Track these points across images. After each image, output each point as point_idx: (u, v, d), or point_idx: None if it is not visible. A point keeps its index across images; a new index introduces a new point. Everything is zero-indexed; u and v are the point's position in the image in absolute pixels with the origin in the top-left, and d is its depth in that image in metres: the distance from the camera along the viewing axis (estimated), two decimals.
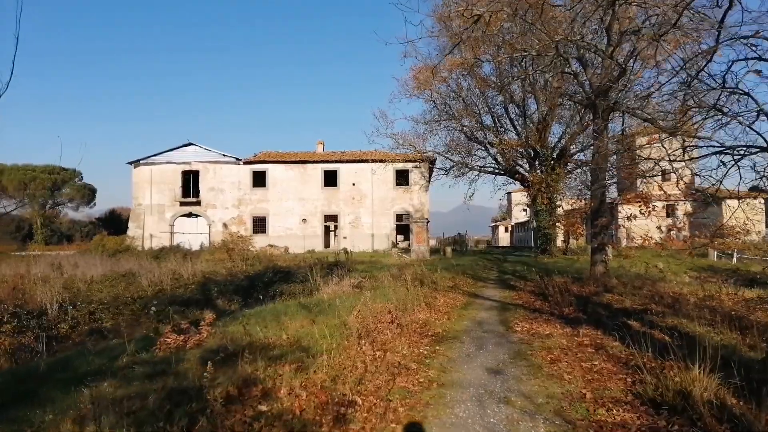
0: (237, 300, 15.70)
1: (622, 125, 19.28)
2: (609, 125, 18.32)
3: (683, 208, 49.89)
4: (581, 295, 13.82)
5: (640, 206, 18.14)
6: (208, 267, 29.31)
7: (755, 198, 40.40)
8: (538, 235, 36.36)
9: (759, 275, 23.21)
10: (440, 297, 14.49)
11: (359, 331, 8.35)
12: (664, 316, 11.10)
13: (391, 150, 35.40)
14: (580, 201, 34.04)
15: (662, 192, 19.08)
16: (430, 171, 43.62)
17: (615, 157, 19.80)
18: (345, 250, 38.39)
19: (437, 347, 8.49)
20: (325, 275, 18.43)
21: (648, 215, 18.69)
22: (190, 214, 48.53)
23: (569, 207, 36.15)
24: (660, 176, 18.28)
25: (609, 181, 17.76)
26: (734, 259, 34.76)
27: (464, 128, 34.93)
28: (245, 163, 48.29)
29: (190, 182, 48.94)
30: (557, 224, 34.66)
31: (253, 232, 47.16)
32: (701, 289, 16.55)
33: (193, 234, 47.88)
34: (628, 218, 18.12)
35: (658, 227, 51.31)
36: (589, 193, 35.51)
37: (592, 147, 34.50)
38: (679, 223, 51.73)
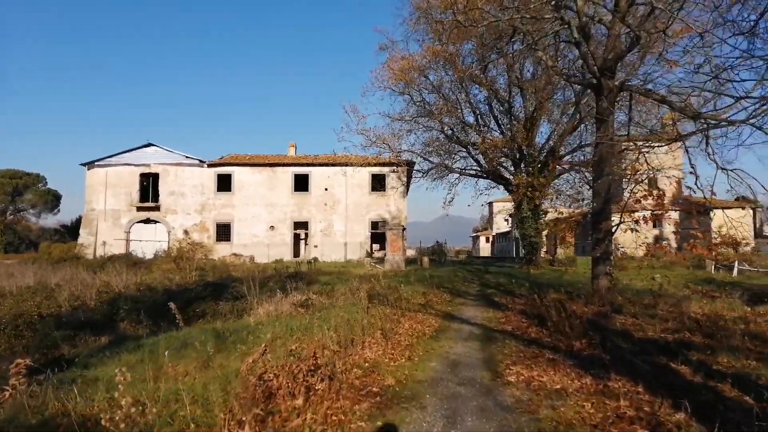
0: (147, 322, 12.17)
1: (629, 112, 16.17)
2: (615, 111, 15.19)
3: (673, 218, 47.55)
4: (586, 317, 10.55)
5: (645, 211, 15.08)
6: (154, 278, 25.71)
7: (743, 208, 37.79)
8: (523, 244, 33.25)
9: None
10: (406, 320, 11.12)
11: (253, 392, 4.96)
12: (713, 352, 7.88)
13: (364, 148, 32.13)
14: (573, 207, 31.32)
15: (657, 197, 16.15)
16: (409, 175, 40.52)
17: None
18: (309, 261, 34.92)
19: (380, 421, 5.10)
20: (276, 289, 15.03)
21: (647, 223, 15.73)
22: (148, 220, 44.59)
23: (556, 215, 33.35)
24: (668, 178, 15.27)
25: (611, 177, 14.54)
26: (735, 272, 32.06)
27: (444, 126, 31.83)
28: (209, 165, 44.60)
29: (149, 186, 45.08)
30: (545, 232, 31.67)
31: (217, 240, 43.51)
32: (724, 308, 13.65)
33: (151, 242, 43.98)
34: (636, 222, 14.96)
35: (652, 238, 48.96)
36: (579, 198, 32.89)
37: (583, 149, 31.89)
38: (667, 233, 49.33)
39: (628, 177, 16.55)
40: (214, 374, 6.28)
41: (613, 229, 14.76)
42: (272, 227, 43.93)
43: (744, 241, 31.44)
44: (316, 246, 43.64)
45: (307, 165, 44.71)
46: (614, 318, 11.32)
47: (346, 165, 40.54)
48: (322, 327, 8.60)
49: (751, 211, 45.41)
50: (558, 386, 6.17)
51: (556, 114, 30.97)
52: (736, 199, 16.82)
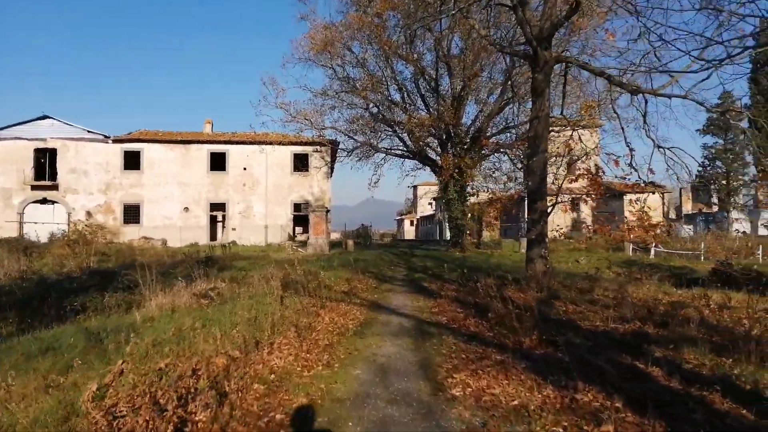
0: (14, 319, 9.98)
1: (563, 86, 15.29)
2: (551, 82, 14.25)
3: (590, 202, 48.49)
4: (525, 305, 9.42)
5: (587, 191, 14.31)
6: (45, 263, 22.77)
7: (653, 193, 38.93)
8: (450, 227, 32.49)
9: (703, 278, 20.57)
10: (326, 313, 9.62)
11: None
12: (676, 346, 6.91)
13: (284, 124, 30.15)
14: (500, 190, 30.76)
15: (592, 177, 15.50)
16: (333, 155, 38.80)
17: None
18: (224, 244, 32.61)
19: None
20: (178, 277, 13.08)
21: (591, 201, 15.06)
22: (44, 200, 40.31)
23: (485, 197, 32.78)
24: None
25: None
26: (652, 253, 32.81)
27: (369, 103, 30.31)
28: (115, 141, 40.76)
29: (46, 162, 40.76)
30: (472, 214, 31.01)
31: (124, 223, 40.02)
32: (659, 292, 13.14)
33: (48, 224, 39.82)
34: (573, 202, 14.18)
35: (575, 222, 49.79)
36: (505, 181, 32.49)
37: (509, 130, 31.39)
38: (584, 216, 50.44)
39: (562, 156, 15.76)
40: (54, 402, 4.52)
41: (549, 209, 13.88)
42: (186, 209, 40.94)
43: (662, 224, 32.11)
44: (234, 229, 41.12)
45: (225, 143, 41.87)
46: (554, 305, 10.34)
47: (267, 143, 38.25)
48: (219, 325, 6.96)
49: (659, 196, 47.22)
50: (515, 401, 4.88)
51: (484, 94, 30.22)
52: (646, 184, 16.49)
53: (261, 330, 7.28)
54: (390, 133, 32.13)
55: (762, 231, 43.70)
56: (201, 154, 41.46)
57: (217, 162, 41.47)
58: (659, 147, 13.20)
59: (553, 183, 14.63)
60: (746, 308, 10.87)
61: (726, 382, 5.29)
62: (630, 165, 13.55)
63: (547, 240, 14.18)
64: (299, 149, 40.14)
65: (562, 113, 15.78)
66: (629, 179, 13.13)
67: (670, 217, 60.82)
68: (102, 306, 10.45)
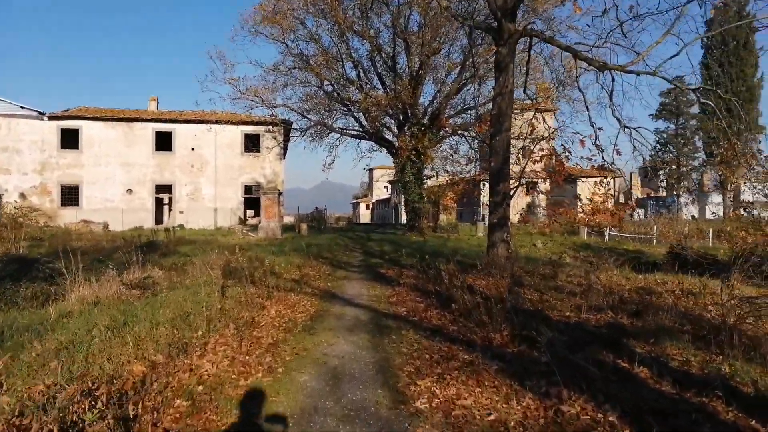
0: None
1: (527, 63, 14.58)
2: (515, 58, 13.50)
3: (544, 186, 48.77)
4: (495, 296, 8.70)
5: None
6: None
7: (605, 177, 39.21)
8: (406, 210, 31.80)
9: (660, 261, 20.52)
10: (273, 304, 8.65)
11: None
12: (656, 339, 6.30)
13: (233, 102, 28.65)
14: (458, 173, 30.17)
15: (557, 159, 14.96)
16: (286, 136, 37.35)
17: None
18: (167, 228, 30.99)
19: None
20: (109, 264, 11.79)
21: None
22: None
23: (443, 180, 32.21)
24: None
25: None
26: (606, 237, 33.02)
27: (323, 81, 29.05)
28: (51, 118, 38.11)
29: None
30: (429, 197, 30.38)
31: (62, 205, 37.56)
32: (621, 278, 12.77)
33: None
34: (530, 185, 13.56)
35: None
36: (462, 163, 31.93)
37: (469, 111, 30.77)
38: (540, 200, 50.74)
39: (525, 136, 15.14)
40: None
41: (512, 192, 13.23)
42: (130, 190, 38.79)
43: (629, 206, 32.26)
44: (181, 212, 39.27)
45: (171, 121, 39.72)
46: (519, 294, 9.68)
47: (216, 122, 36.48)
48: (145, 323, 5.94)
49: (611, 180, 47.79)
50: (491, 416, 4.10)
51: (442, 73, 29.40)
52: (597, 168, 16.13)
53: (194, 327, 6.28)
54: (345, 112, 31.03)
55: (709, 215, 44.85)
56: (145, 132, 39.26)
57: (163, 141, 39.37)
58: (626, 127, 12.71)
59: (515, 163, 13.98)
60: (710, 294, 10.54)
61: (723, 384, 4.65)
62: (595, 144, 13.04)
63: (509, 224, 13.56)
64: (250, 129, 38.53)
65: (525, 91, 15.12)
66: (595, 160, 12.60)
67: (620, 201, 62.08)
68: (15, 298, 9.18)
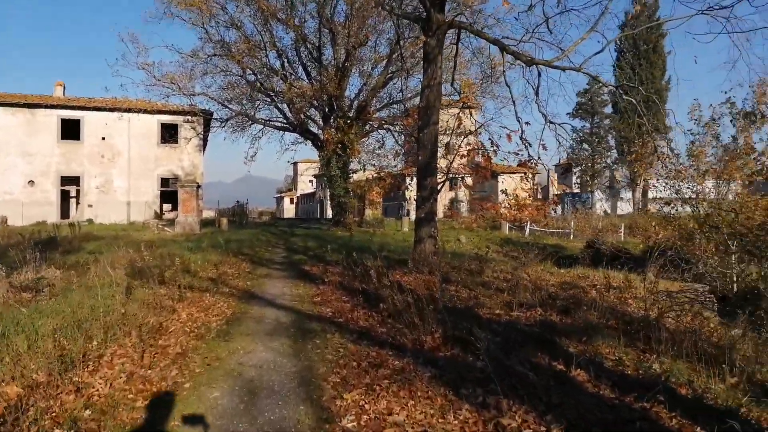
0: None
1: (455, 56, 14.40)
2: (443, 50, 13.27)
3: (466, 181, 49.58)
4: (426, 295, 8.34)
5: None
6: None
7: (526, 173, 40.50)
8: (332, 205, 31.22)
9: (579, 254, 21.09)
10: (185, 306, 7.89)
11: None
12: (588, 338, 6.16)
13: (147, 88, 26.93)
14: (383, 168, 29.94)
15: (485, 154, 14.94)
16: (206, 127, 35.69)
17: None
18: (72, 223, 28.76)
19: None
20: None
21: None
22: None
23: (370, 175, 31.92)
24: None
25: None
26: (527, 232, 33.87)
27: (245, 70, 27.89)
28: None
29: None
30: (355, 192, 29.95)
31: None
32: (545, 272, 12.88)
33: None
34: (454, 180, 13.40)
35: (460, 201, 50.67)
36: (388, 157, 31.75)
37: (394, 106, 30.55)
38: (463, 195, 51.59)
39: (453, 129, 14.97)
40: None
41: (439, 186, 13.00)
42: (31, 182, 35.77)
43: (553, 202, 33.25)
44: (90, 205, 36.66)
45: (79, 108, 36.90)
46: (448, 290, 9.41)
47: (130, 110, 34.32)
48: (30, 333, 5.11)
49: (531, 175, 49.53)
50: None
51: (368, 66, 28.98)
52: (519, 165, 16.31)
53: (89, 336, 5.49)
54: (268, 102, 29.97)
55: (620, 210, 47.17)
56: (50, 120, 36.30)
57: (70, 130, 36.54)
58: (550, 122, 12.76)
59: (443, 157, 13.78)
60: (630, 288, 10.73)
61: (661, 385, 4.49)
62: (521, 139, 13.03)
63: (436, 219, 13.34)
64: (168, 118, 36.49)
65: (452, 85, 14.95)
66: (522, 155, 12.57)
67: (538, 197, 64.34)
68: None
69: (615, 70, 40.96)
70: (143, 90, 26.91)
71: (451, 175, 13.09)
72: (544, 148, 12.40)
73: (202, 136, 36.20)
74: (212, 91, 28.74)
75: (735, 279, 14.41)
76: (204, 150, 38.96)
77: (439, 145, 13.66)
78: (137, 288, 8.34)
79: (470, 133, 13.69)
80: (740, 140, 18.00)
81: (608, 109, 47.56)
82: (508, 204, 18.83)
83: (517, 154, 12.74)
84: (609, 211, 46.19)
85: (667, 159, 17.68)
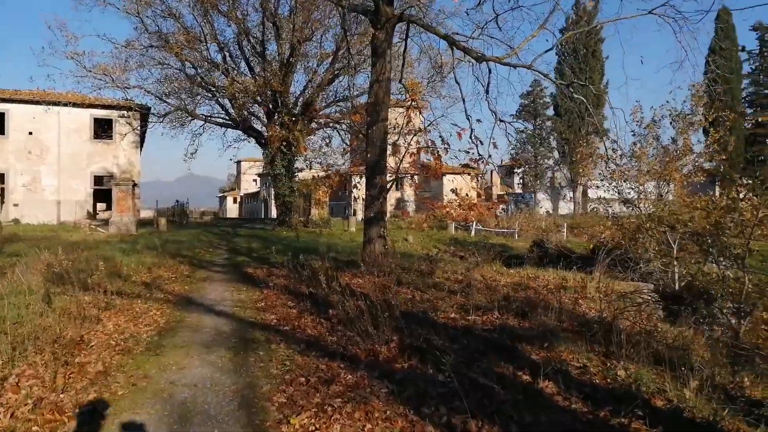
0: None
1: (403, 51, 14.03)
2: (392, 44, 12.86)
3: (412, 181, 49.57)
4: (382, 301, 7.85)
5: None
6: None
7: (467, 174, 40.93)
8: (277, 204, 30.37)
9: (526, 254, 21.18)
10: (111, 315, 7.13)
11: None
12: (549, 344, 5.86)
13: (77, 80, 25.30)
14: (328, 167, 29.27)
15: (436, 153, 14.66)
16: (144, 122, 33.98)
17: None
18: None
19: None
20: None
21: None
22: None
23: (317, 173, 31.25)
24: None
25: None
26: (472, 232, 34.03)
27: (185, 63, 26.67)
28: None
29: None
30: (300, 191, 29.20)
31: None
32: (496, 272, 12.69)
33: None
34: (400, 180, 13.04)
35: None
36: (336, 156, 31.12)
37: (342, 102, 29.94)
38: (409, 195, 51.56)
39: (401, 127, 14.60)
40: None
41: (388, 185, 12.59)
42: None
43: (504, 201, 33.49)
44: (16, 204, 34.29)
45: (3, 101, 34.49)
46: (401, 292, 9.00)
47: (58, 104, 32.26)
48: None
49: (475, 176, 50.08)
50: None
51: (314, 63, 28.29)
52: (463, 165, 16.15)
53: None
54: (209, 98, 28.79)
55: (561, 210, 48.27)
56: None
57: None
58: (501, 120, 12.58)
59: (391, 155, 13.39)
60: (581, 288, 10.63)
61: (632, 396, 4.19)
62: (471, 138, 12.80)
63: (386, 218, 12.92)
64: (101, 113, 34.55)
65: (401, 81, 14.58)
66: (473, 153, 12.30)
67: (483, 198, 65.20)
68: None
69: (555, 74, 41.80)
70: (73, 81, 25.25)
71: (402, 174, 12.67)
72: (495, 146, 12.18)
73: (138, 132, 34.46)
74: (149, 84, 27.37)
75: (677, 278, 14.76)
76: (141, 147, 37.23)
77: (388, 143, 13.24)
78: (58, 295, 7.50)
79: (420, 131, 13.33)
80: (679, 142, 18.51)
81: (550, 112, 48.57)
82: (460, 202, 18.68)
83: (468, 152, 12.48)
84: (551, 211, 47.18)
85: (611, 159, 17.98)
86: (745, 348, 6.31)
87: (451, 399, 4.02)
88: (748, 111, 45.65)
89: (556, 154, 49.81)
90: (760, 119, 42.30)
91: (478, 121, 12.27)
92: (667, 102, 16.33)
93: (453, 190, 18.85)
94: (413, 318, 6.86)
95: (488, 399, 4.04)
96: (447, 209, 22.92)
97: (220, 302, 8.73)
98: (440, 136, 12.96)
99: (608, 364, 5.35)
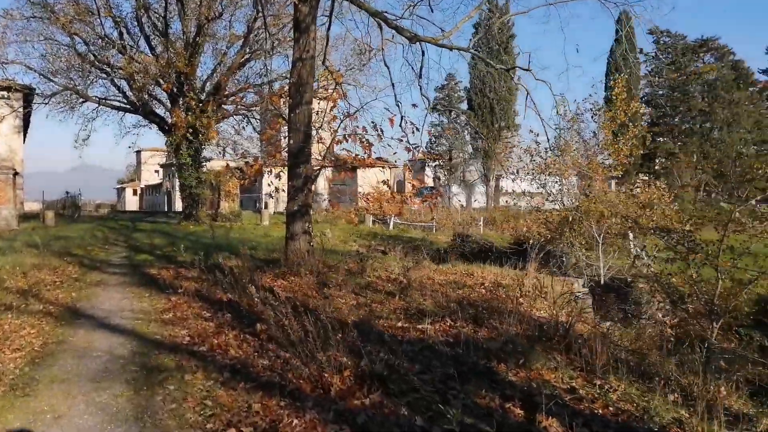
0: None
1: (327, 30, 12.82)
2: (317, 20, 11.62)
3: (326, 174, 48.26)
4: (302, 302, 6.65)
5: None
6: None
7: (382, 168, 40.40)
8: (182, 196, 28.07)
9: (446, 249, 20.65)
10: None
11: None
12: (526, 360, 5.00)
13: None
14: (239, 156, 27.40)
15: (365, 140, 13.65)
16: (27, 105, 30.28)
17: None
18: None
19: None
20: None
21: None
22: None
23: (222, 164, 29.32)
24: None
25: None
26: (390, 225, 33.35)
27: (75, 39, 23.82)
28: None
29: None
30: (208, 182, 27.16)
31: None
32: (431, 270, 11.88)
33: None
34: (339, 168, 11.92)
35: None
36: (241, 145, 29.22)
37: (255, 87, 28.09)
38: (323, 188, 50.21)
39: (324, 113, 13.42)
40: None
41: (315, 174, 11.39)
42: None
43: (437, 194, 33.09)
44: None
45: None
46: (333, 299, 7.89)
47: None
48: None
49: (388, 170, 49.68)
50: None
51: (223, 45, 26.26)
52: (377, 159, 15.38)
53: None
54: (104, 78, 25.96)
55: (474, 204, 48.87)
56: None
57: None
58: (434, 108, 11.72)
59: (317, 142, 12.19)
60: (518, 286, 9.95)
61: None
62: (401, 125, 11.87)
63: (311, 212, 11.72)
64: None
65: (324, 62, 13.38)
66: (406, 141, 11.37)
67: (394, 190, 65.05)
68: None
69: (469, 71, 42.19)
70: None
71: (330, 162, 11.54)
72: (429, 134, 11.30)
73: (21, 115, 30.69)
74: (32, 60, 24.22)
75: (603, 273, 14.73)
76: (26, 132, 33.31)
77: (314, 129, 12.02)
78: None
79: (348, 116, 12.21)
80: (600, 136, 18.67)
81: (464, 106, 48.94)
82: (392, 196, 17.84)
83: (401, 140, 11.52)
84: (464, 205, 47.58)
85: (536, 153, 17.80)
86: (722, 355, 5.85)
87: None
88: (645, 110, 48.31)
89: (470, 148, 50.26)
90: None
91: (414, 105, 11.39)
92: (590, 96, 16.24)
93: (384, 182, 17.88)
94: (361, 331, 5.78)
95: None
96: (378, 200, 21.96)
97: (116, 313, 7.18)
98: (372, 122, 11.85)
99: (595, 383, 4.57)
